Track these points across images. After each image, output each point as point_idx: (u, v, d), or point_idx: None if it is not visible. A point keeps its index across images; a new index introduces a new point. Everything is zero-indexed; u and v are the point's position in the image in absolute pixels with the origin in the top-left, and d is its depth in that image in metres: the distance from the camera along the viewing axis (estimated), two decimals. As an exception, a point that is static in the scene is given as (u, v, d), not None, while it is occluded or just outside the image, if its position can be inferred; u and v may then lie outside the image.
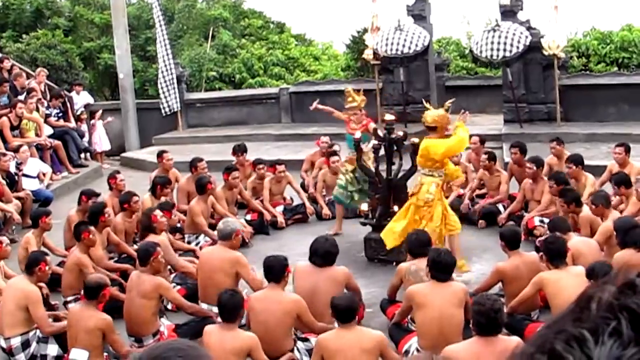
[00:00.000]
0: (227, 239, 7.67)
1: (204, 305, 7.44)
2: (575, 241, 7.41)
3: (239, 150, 11.82)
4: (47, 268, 7.13)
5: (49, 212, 9.12)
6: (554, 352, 0.85)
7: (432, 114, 8.45)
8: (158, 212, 8.46)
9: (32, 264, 7.05)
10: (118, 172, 10.73)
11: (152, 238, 7.90)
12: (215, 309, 6.70)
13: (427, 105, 8.93)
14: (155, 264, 7.14)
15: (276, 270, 6.66)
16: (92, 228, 8.08)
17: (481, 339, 5.29)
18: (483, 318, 5.26)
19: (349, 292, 6.82)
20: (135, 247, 8.67)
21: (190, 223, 9.72)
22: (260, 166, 11.20)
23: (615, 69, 18.78)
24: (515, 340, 5.41)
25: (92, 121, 16.49)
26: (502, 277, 7.12)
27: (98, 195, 9.65)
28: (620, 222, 7.28)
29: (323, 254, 7.09)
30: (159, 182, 10.21)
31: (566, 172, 9.79)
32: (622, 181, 8.88)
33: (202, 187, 9.90)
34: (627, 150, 9.97)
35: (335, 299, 6.06)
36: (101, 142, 16.40)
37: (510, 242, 7.27)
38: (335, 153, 11.07)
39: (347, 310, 5.85)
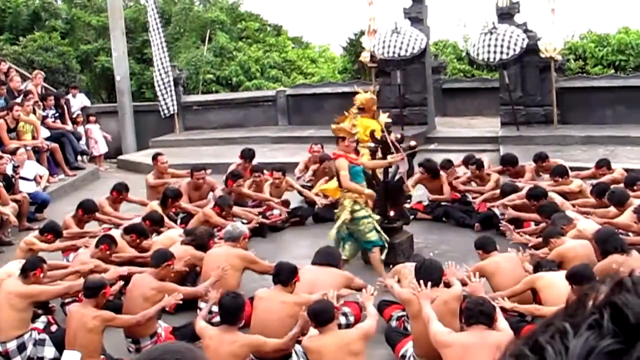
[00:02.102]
0: (235, 241, 7.81)
1: (202, 304, 7.42)
2: (573, 244, 7.45)
3: (247, 156, 11.76)
4: (41, 275, 7.03)
5: (60, 234, 8.76)
6: (536, 343, 0.88)
7: (360, 97, 9.78)
8: (216, 240, 8.62)
9: (29, 268, 6.99)
10: (127, 189, 10.62)
11: (178, 249, 7.93)
12: (215, 309, 6.71)
13: (357, 88, 10.28)
14: (164, 271, 7.14)
15: (285, 273, 6.75)
16: (114, 247, 8.07)
17: (473, 331, 5.41)
18: (471, 304, 5.52)
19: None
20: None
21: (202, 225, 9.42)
22: (257, 174, 11.13)
23: (612, 71, 18.83)
24: (508, 334, 5.44)
25: (87, 125, 16.38)
26: (480, 273, 7.17)
27: (96, 211, 9.66)
28: (599, 234, 7.32)
29: (323, 254, 7.36)
30: (171, 195, 10.13)
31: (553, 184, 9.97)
32: (603, 192, 9.04)
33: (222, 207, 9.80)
34: (609, 167, 10.37)
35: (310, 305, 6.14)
36: (98, 145, 16.34)
37: (485, 247, 7.50)
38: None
39: (321, 314, 5.94)
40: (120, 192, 10.41)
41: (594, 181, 9.99)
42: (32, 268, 6.99)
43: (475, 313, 5.44)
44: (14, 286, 6.91)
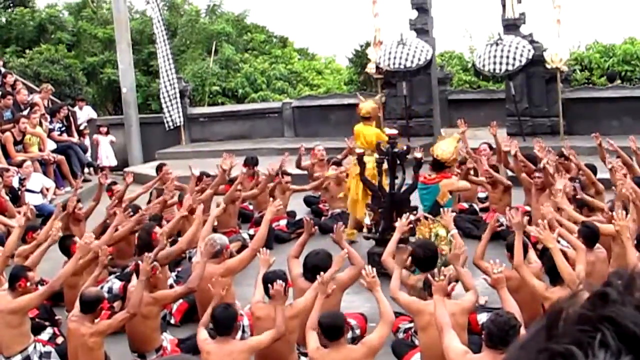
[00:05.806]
0: (218, 257, 7.56)
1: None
2: (590, 258, 7.36)
3: (252, 162, 11.89)
4: (28, 284, 6.87)
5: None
6: None
7: (366, 106, 10.17)
8: (158, 229, 8.35)
9: (13, 280, 6.85)
10: (115, 183, 10.80)
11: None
12: None
13: (360, 97, 11.05)
14: (152, 280, 7.08)
15: None
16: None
17: (490, 353, 5.09)
18: (495, 328, 5.10)
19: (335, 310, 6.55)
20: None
21: (191, 239, 8.88)
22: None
23: (618, 82, 18.78)
24: None
25: (95, 136, 16.46)
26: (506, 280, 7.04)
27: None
28: None
29: (311, 268, 7.03)
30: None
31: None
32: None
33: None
34: None
35: (322, 316, 5.99)
36: (107, 157, 16.40)
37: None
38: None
39: (332, 328, 5.82)
40: (111, 191, 10.74)
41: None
42: (16, 279, 6.84)
43: (496, 341, 5.06)
44: (3, 304, 6.77)
